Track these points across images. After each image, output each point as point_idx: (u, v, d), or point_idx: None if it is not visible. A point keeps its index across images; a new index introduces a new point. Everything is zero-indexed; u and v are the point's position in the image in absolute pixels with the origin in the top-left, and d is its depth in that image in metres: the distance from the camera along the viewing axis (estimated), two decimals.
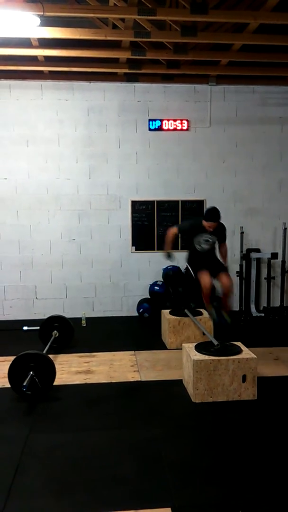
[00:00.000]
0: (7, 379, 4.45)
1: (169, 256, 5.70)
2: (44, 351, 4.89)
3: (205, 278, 5.27)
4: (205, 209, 7.73)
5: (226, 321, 5.36)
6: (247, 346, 4.76)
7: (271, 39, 5.82)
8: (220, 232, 5.43)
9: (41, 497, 3.02)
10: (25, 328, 6.69)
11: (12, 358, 4.51)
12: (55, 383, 4.62)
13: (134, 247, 7.76)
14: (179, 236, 5.53)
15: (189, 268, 5.63)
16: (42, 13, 4.83)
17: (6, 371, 4.43)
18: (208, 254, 5.45)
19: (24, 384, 4.19)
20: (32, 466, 3.36)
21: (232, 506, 2.89)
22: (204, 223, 5.24)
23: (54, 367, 4.50)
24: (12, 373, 4.38)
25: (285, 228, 7.67)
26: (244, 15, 5.36)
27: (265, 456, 3.46)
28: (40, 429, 3.92)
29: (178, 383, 4.82)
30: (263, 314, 7.62)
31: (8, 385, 4.48)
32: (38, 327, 5.97)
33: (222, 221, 7.71)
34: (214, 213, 5.27)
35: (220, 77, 7.49)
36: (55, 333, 5.82)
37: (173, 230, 5.67)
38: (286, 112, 7.76)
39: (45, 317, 6.12)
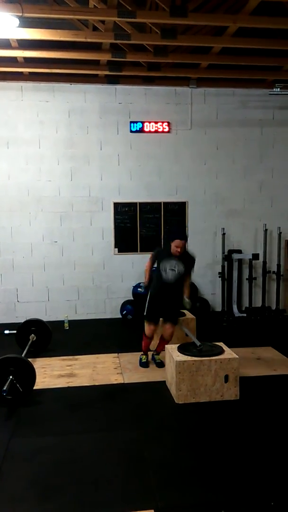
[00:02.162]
0: None
1: (147, 287, 5.45)
2: (23, 355, 4.84)
3: (148, 331, 5.29)
4: (187, 211, 7.83)
5: (160, 363, 5.34)
6: (229, 347, 4.79)
7: (251, 42, 5.89)
8: (187, 262, 5.15)
9: (23, 502, 2.98)
10: (6, 332, 6.60)
11: None
12: (37, 387, 4.58)
13: (117, 249, 7.74)
14: (155, 258, 5.29)
15: (148, 297, 5.35)
16: (21, 14, 4.80)
17: None
18: (170, 290, 5.14)
19: (4, 388, 4.14)
20: (14, 471, 3.32)
21: (214, 506, 2.91)
22: (172, 244, 5.03)
23: (34, 371, 4.45)
24: None
25: (266, 230, 7.76)
26: (223, 19, 5.41)
27: (247, 456, 3.49)
28: (22, 433, 3.87)
29: (161, 385, 4.83)
30: (245, 315, 7.69)
31: None
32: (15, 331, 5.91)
33: (204, 222, 7.88)
34: (179, 231, 5.10)
35: (201, 80, 7.55)
36: (32, 336, 5.76)
37: (148, 263, 5.38)
38: (266, 114, 7.86)
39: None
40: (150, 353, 5.54)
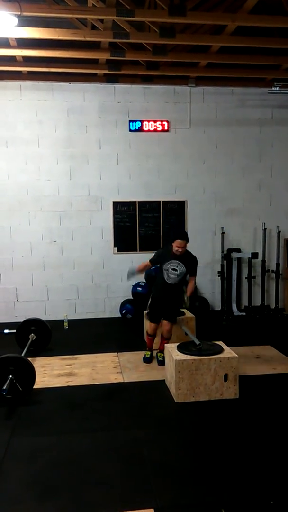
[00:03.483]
0: None
1: (132, 274, 5.56)
2: (23, 354, 4.84)
3: (150, 329, 5.42)
4: (186, 210, 7.82)
5: (161, 361, 5.35)
6: (229, 345, 4.80)
7: (249, 41, 5.89)
8: (189, 263, 5.15)
9: (23, 501, 2.99)
10: (6, 331, 6.59)
11: None
12: (37, 386, 4.58)
13: (116, 248, 7.74)
14: (154, 263, 5.41)
15: (150, 297, 5.50)
16: (19, 13, 4.79)
17: None
18: (171, 291, 5.20)
19: (4, 387, 4.14)
20: (14, 470, 3.32)
21: (214, 505, 2.91)
22: (173, 245, 5.05)
23: (34, 370, 4.45)
24: None
25: (265, 228, 7.76)
26: (222, 17, 5.42)
27: (247, 455, 3.49)
28: (21, 432, 3.87)
29: (161, 384, 4.83)
30: (244, 313, 7.69)
31: None
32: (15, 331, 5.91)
33: (203, 221, 7.88)
34: (181, 232, 5.18)
35: (200, 79, 7.55)
36: (32, 336, 5.76)
37: (146, 262, 5.43)
38: (265, 113, 7.86)
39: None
40: (155, 351, 5.59)
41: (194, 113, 7.70)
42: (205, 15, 5.45)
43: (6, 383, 4.19)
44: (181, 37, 5.74)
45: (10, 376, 4.27)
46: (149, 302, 5.49)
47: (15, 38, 5.84)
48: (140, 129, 7.57)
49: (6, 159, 7.32)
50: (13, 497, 3.02)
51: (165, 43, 5.98)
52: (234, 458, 3.44)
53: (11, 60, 6.58)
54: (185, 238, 5.11)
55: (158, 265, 5.32)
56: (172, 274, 5.12)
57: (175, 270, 5.11)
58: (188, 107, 7.69)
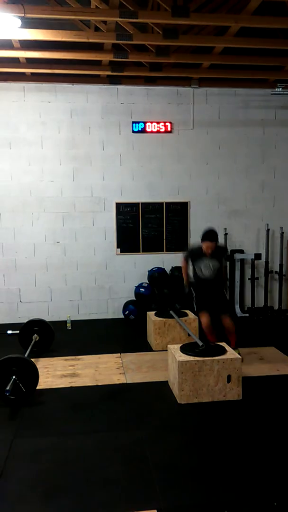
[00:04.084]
0: None
1: (187, 288, 5.69)
2: (26, 355, 4.85)
3: (204, 320, 5.39)
4: (189, 211, 7.83)
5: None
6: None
7: (252, 42, 5.88)
8: (220, 255, 5.35)
9: (26, 502, 2.99)
10: (9, 332, 6.62)
11: None
12: (40, 387, 4.59)
13: (119, 249, 7.75)
14: (188, 259, 5.54)
15: (194, 295, 5.61)
16: (23, 15, 4.81)
17: None
18: (211, 285, 5.34)
19: (7, 388, 4.15)
20: (17, 471, 3.32)
21: (218, 506, 2.91)
22: (203, 245, 5.22)
23: (37, 371, 4.46)
24: None
25: (268, 229, 7.76)
26: (225, 18, 5.41)
27: (250, 456, 3.48)
28: (25, 433, 3.88)
29: (164, 385, 4.83)
30: (247, 315, 7.68)
31: None
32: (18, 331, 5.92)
33: (206, 222, 7.85)
34: (209, 232, 5.24)
35: (203, 80, 7.55)
36: (35, 337, 5.77)
37: (183, 263, 5.60)
38: (268, 114, 7.86)
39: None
40: None
41: (197, 114, 7.70)
42: (208, 16, 5.46)
43: (10, 384, 4.20)
44: (184, 38, 5.74)
45: (14, 377, 4.28)
46: (195, 302, 5.62)
47: (19, 40, 5.86)
48: (143, 130, 7.58)
49: (10, 160, 7.34)
50: (17, 498, 3.03)
51: (168, 44, 5.98)
52: (237, 459, 3.43)
53: (14, 61, 6.60)
54: (213, 239, 5.20)
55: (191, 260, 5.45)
56: (207, 271, 5.30)
57: (208, 267, 5.29)
58: (191, 108, 7.69)
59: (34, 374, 4.43)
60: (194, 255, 5.38)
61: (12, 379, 4.25)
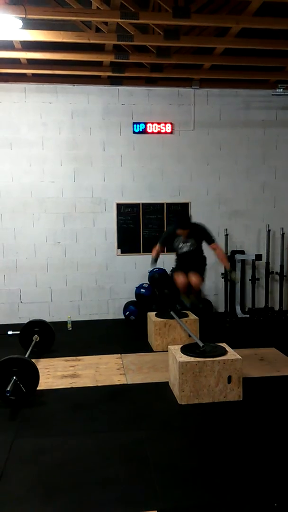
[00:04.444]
0: None
1: (154, 261, 5.81)
2: (26, 356, 4.85)
3: (177, 278, 5.52)
4: (190, 212, 7.83)
5: (196, 305, 5.70)
6: (233, 347, 4.79)
7: (253, 43, 5.89)
8: (198, 235, 5.43)
9: (26, 502, 2.99)
10: (9, 332, 6.61)
11: None
12: (40, 388, 4.59)
13: (119, 250, 7.75)
14: (163, 244, 5.79)
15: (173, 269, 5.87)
16: (24, 16, 4.82)
17: None
18: (189, 256, 5.50)
19: (8, 389, 4.15)
20: (17, 472, 3.32)
21: (218, 507, 2.90)
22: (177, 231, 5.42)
23: (37, 372, 4.46)
24: None
25: (269, 230, 7.75)
26: (226, 19, 5.42)
27: (251, 457, 3.48)
28: (25, 434, 3.88)
29: (164, 385, 4.82)
30: (248, 315, 7.68)
31: None
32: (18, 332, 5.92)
33: (206, 223, 7.80)
34: (181, 220, 5.51)
35: (204, 81, 7.56)
36: (35, 337, 5.77)
37: (157, 246, 5.74)
38: (269, 115, 7.86)
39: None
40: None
41: (198, 115, 7.71)
42: (209, 17, 5.46)
43: (10, 385, 4.20)
44: (185, 39, 5.75)
45: (14, 378, 4.28)
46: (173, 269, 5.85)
47: (20, 41, 5.87)
48: (144, 131, 7.58)
49: (11, 161, 7.35)
50: (17, 498, 3.03)
51: (169, 45, 5.99)
52: (238, 460, 3.43)
53: (15, 62, 6.61)
54: (185, 227, 5.36)
55: (167, 245, 5.70)
56: (185, 247, 5.44)
57: (186, 244, 5.43)
58: (192, 109, 7.70)
59: (34, 375, 4.43)
60: (171, 237, 5.54)
61: (13, 380, 4.25)
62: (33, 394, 4.44)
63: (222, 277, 7.69)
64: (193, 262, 5.53)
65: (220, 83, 7.62)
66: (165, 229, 7.79)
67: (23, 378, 4.33)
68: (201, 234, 5.44)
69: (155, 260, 5.78)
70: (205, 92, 7.70)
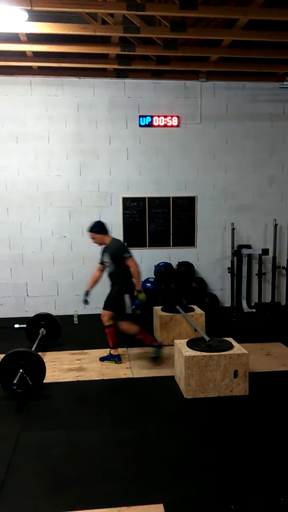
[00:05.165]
0: None
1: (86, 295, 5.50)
2: (33, 349, 4.87)
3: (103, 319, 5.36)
4: (196, 206, 7.79)
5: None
6: (239, 342, 4.78)
7: (261, 35, 5.82)
8: (112, 250, 5.14)
9: (33, 494, 3.01)
10: (16, 326, 6.64)
11: (1, 356, 4.48)
12: (47, 381, 4.61)
13: (125, 244, 7.71)
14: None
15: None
16: (30, 8, 4.79)
17: None
18: (110, 281, 5.31)
19: (15, 382, 4.17)
20: (24, 464, 3.35)
21: (223, 501, 2.91)
22: None
23: (44, 365, 4.48)
24: (2, 371, 4.35)
25: (276, 224, 7.70)
26: (233, 11, 5.36)
27: (256, 451, 3.48)
28: (31, 427, 3.90)
29: (170, 380, 4.83)
30: (254, 310, 7.66)
31: None
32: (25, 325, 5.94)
33: (213, 217, 7.84)
34: (92, 224, 5.24)
35: (210, 73, 7.49)
36: (42, 331, 5.79)
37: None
38: (276, 108, 7.78)
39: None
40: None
41: (205, 108, 7.65)
42: (216, 8, 5.39)
43: (17, 378, 4.22)
44: (192, 31, 5.69)
45: (21, 371, 4.30)
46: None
47: (25, 33, 5.84)
48: (150, 124, 7.54)
49: (17, 154, 7.34)
50: (23, 491, 3.05)
51: (176, 38, 5.93)
52: (243, 455, 3.43)
53: (21, 55, 6.59)
54: (90, 229, 5.21)
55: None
56: (107, 265, 5.27)
57: (106, 262, 5.25)
58: (199, 102, 7.64)
59: (41, 368, 4.44)
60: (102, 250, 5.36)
61: (20, 373, 4.27)
62: (40, 387, 4.46)
63: (229, 272, 7.66)
64: (110, 292, 5.29)
65: (227, 76, 7.55)
66: (171, 223, 7.79)
67: (29, 371, 4.35)
68: (114, 249, 5.12)
69: (86, 294, 5.46)
70: (212, 85, 7.63)
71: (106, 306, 5.34)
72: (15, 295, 7.56)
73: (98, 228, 5.20)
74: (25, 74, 7.19)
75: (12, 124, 7.29)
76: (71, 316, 7.14)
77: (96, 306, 7.69)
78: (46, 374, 4.57)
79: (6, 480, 3.14)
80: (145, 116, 7.52)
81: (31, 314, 6.35)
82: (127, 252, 5.14)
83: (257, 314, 7.55)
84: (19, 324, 6.28)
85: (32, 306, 7.45)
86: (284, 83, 7.23)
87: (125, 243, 5.57)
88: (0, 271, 7.49)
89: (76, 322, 7.11)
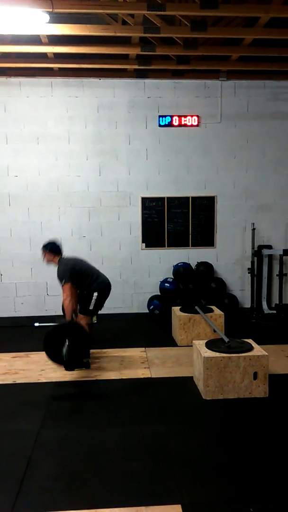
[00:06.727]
0: (19, 375, 4.48)
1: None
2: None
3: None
4: (216, 206, 7.74)
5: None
6: (259, 343, 4.72)
7: (283, 33, 5.75)
8: (57, 272, 5.09)
9: (51, 491, 3.04)
10: (36, 324, 6.73)
11: (24, 354, 4.54)
12: (65, 379, 4.65)
13: (144, 244, 7.75)
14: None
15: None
16: (51, 10, 4.84)
17: (18, 367, 4.46)
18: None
19: (64, 353, 4.39)
20: (43, 461, 3.38)
21: (242, 503, 2.88)
22: None
23: (89, 336, 4.64)
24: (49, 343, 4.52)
25: None
26: (255, 9, 5.30)
27: (276, 454, 3.43)
28: (51, 424, 3.94)
29: (189, 380, 4.81)
30: (274, 311, 7.56)
31: (20, 381, 4.51)
32: (50, 324, 5.97)
33: (233, 217, 7.77)
34: (44, 243, 5.26)
35: (231, 72, 7.43)
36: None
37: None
38: None
39: (56, 314, 6.13)
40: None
41: (225, 107, 7.59)
42: (237, 7, 5.34)
43: (65, 349, 4.40)
44: (212, 31, 5.66)
45: (67, 342, 4.45)
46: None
47: (47, 35, 5.90)
48: (169, 124, 7.53)
49: (38, 155, 7.43)
50: (42, 487, 3.08)
51: (196, 37, 5.91)
52: (263, 457, 3.39)
53: (42, 57, 6.66)
54: (42, 247, 5.26)
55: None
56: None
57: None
58: (219, 101, 7.59)
59: (86, 339, 4.60)
60: None
61: (66, 345, 4.42)
62: (87, 356, 4.74)
63: (249, 272, 7.58)
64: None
65: (248, 75, 7.48)
66: (190, 224, 7.76)
67: (75, 343, 4.48)
68: (57, 273, 4.98)
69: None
70: (232, 84, 7.57)
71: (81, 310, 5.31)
72: (35, 294, 7.64)
73: (48, 248, 5.21)
74: (46, 76, 7.27)
75: (33, 125, 7.38)
76: None
77: (114, 306, 7.77)
78: (65, 373, 4.60)
79: (25, 476, 3.18)
80: (165, 116, 7.51)
81: (51, 313, 6.43)
82: (65, 278, 4.93)
83: (277, 316, 7.45)
84: (39, 323, 6.35)
85: (52, 305, 7.52)
86: None
87: (70, 266, 5.08)
88: (21, 270, 7.59)
89: (95, 322, 7.14)
